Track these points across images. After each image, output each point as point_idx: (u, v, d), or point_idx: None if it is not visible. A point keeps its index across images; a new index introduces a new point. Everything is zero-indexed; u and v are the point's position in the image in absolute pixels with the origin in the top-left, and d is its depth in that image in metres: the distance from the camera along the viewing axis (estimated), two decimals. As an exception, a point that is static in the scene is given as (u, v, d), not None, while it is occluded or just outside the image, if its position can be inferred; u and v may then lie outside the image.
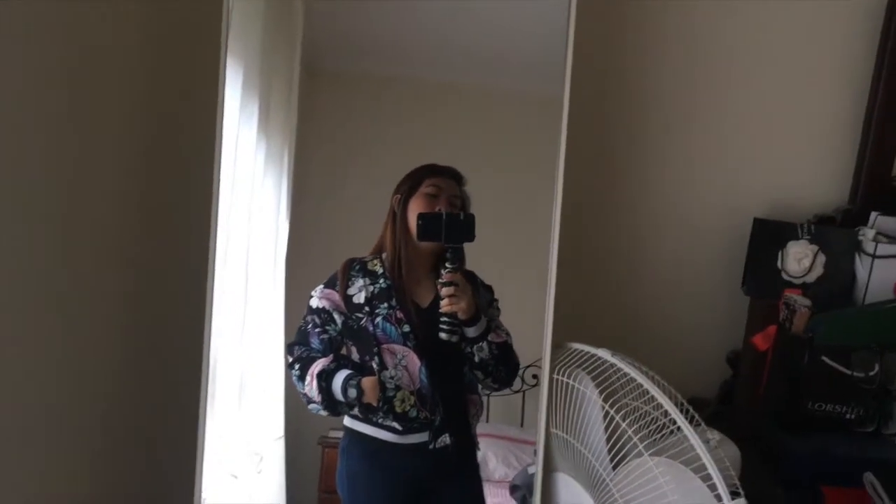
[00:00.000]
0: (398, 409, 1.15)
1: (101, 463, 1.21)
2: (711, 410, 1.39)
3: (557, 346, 1.20)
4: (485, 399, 1.24)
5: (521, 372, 1.24)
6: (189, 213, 1.25)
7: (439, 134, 1.30)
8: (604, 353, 1.14)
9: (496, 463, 1.29)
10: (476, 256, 1.19)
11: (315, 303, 1.18)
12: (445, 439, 1.16)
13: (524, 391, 1.30)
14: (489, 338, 1.16)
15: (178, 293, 1.29)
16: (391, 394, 1.15)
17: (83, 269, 1.16)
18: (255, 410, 1.30)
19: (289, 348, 1.20)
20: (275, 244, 1.28)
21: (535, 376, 1.30)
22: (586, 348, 1.17)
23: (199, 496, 1.15)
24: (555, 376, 1.16)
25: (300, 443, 1.27)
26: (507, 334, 1.19)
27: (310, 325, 1.18)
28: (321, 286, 1.19)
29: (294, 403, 1.21)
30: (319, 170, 1.29)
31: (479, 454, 1.24)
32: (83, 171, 1.14)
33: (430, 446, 1.16)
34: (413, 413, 1.15)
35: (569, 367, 1.16)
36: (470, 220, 1.16)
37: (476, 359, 1.16)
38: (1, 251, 0.97)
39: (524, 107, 1.31)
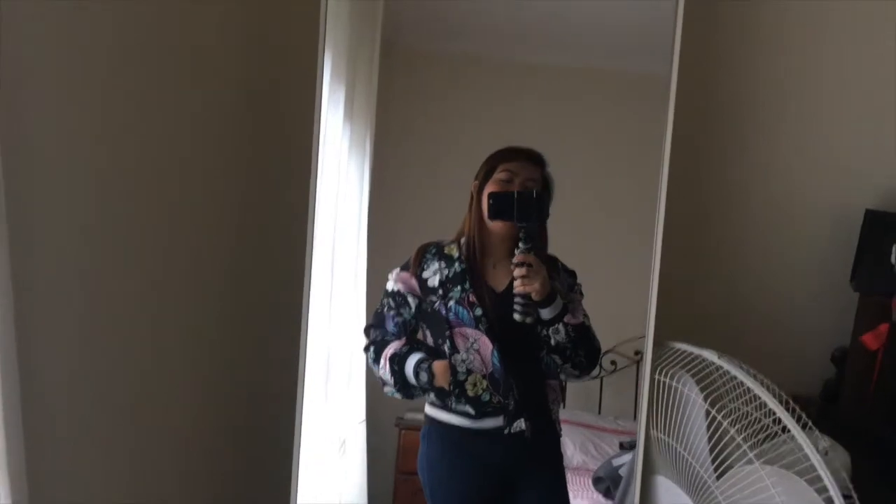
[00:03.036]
0: (470, 393, 1.13)
1: (201, 444, 1.24)
2: (816, 410, 1.33)
3: (658, 345, 1.16)
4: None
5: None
6: (282, 204, 1.26)
7: (534, 116, 1.28)
8: (709, 355, 1.09)
9: (574, 450, 1.27)
10: (571, 242, 1.17)
11: (391, 286, 1.19)
12: (521, 424, 1.14)
13: (602, 377, 1.27)
14: (565, 319, 1.13)
15: (273, 285, 1.31)
16: (462, 377, 1.13)
17: (190, 263, 1.18)
18: (339, 396, 1.31)
19: (365, 331, 1.21)
20: (357, 230, 1.28)
21: (613, 363, 1.28)
22: (690, 348, 1.12)
23: (297, 481, 1.16)
24: (657, 377, 1.12)
25: (379, 426, 1.28)
26: (586, 317, 1.16)
27: (385, 308, 1.19)
28: (397, 269, 1.19)
29: (373, 388, 1.22)
30: (401, 154, 1.28)
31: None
32: (193, 169, 1.16)
33: (506, 431, 1.14)
34: (486, 397, 1.13)
35: (670, 367, 1.12)
36: (543, 198, 1.12)
37: (552, 342, 1.13)
38: (111, 248, 0.99)
39: (627, 92, 1.27)
